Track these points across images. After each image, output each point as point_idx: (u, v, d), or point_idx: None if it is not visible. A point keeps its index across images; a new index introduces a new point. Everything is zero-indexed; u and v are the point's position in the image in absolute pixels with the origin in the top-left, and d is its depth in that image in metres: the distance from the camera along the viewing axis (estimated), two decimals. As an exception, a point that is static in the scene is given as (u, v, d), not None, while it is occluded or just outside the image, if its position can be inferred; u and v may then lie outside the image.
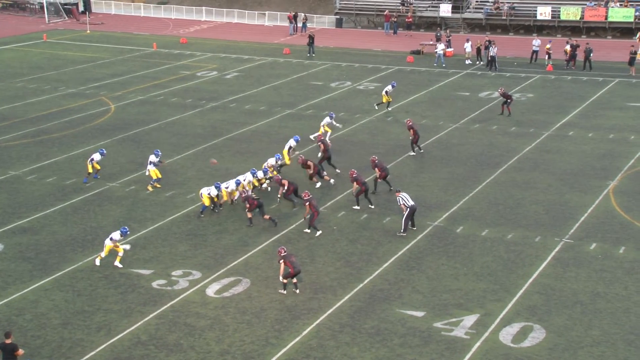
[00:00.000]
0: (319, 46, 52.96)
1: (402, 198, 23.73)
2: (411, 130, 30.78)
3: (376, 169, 26.98)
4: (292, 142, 29.11)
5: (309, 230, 23.63)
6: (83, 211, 25.71)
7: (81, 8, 69.96)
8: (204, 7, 69.13)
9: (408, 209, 23.52)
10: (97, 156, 28.14)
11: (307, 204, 23.36)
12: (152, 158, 27.71)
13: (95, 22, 65.79)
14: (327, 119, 32.51)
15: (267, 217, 24.38)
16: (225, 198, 25.63)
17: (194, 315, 19.09)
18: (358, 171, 26.04)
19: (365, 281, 20.72)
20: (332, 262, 21.92)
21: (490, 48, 45.90)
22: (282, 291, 20.16)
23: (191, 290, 20.36)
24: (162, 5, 72.77)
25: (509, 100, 35.89)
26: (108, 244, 21.64)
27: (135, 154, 30.64)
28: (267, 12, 66.43)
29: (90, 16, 66.98)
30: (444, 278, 20.88)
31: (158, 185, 27.48)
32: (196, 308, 19.44)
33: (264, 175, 26.75)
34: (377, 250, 22.60)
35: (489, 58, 45.83)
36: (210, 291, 20.31)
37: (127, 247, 22.48)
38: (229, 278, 21.02)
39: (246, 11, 67.21)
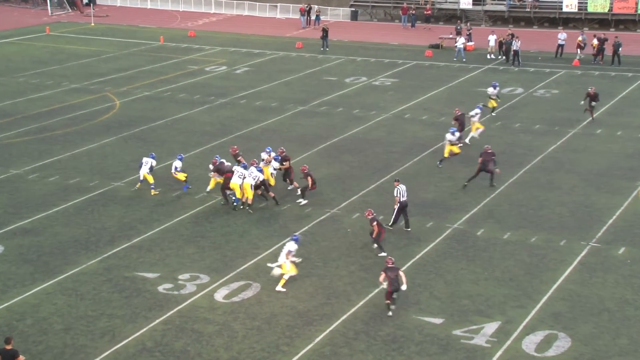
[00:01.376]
0: (332, 40, 52.98)
1: (398, 190, 23.95)
2: (456, 122, 31.08)
3: (308, 178, 25.93)
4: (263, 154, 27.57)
5: (375, 247, 22.84)
6: (86, 212, 25.84)
7: (85, 0, 70.34)
8: (213, -1, 69.37)
9: (399, 204, 23.75)
10: (178, 163, 27.09)
11: (375, 223, 22.54)
12: (153, 162, 27.07)
13: (100, 15, 66.12)
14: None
15: (271, 194, 24.50)
16: (248, 195, 25.36)
17: (202, 321, 19.15)
18: (375, 171, 25.97)
19: (381, 287, 20.68)
20: (346, 266, 21.92)
21: (514, 42, 45.72)
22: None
23: (199, 294, 20.41)
24: (170, -3, 72.98)
25: (593, 103, 34.63)
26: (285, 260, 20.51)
27: (141, 153, 30.73)
28: (278, 5, 66.52)
29: (95, 8, 67.31)
30: (464, 283, 20.83)
31: (156, 192, 27.08)
32: (204, 313, 19.50)
33: (278, 162, 26.88)
34: (392, 253, 22.54)
35: (513, 52, 45.64)
36: (219, 296, 20.36)
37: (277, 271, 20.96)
38: (239, 282, 21.06)
39: (257, 3, 67.33)
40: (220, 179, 26.48)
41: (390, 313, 19.28)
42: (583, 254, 22.29)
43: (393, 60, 47.99)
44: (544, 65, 45.59)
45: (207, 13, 67.67)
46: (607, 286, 20.51)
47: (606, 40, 45.58)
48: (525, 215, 25.05)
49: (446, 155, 29.41)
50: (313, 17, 60.95)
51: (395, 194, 23.96)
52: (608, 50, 45.20)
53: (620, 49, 44.64)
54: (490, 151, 27.22)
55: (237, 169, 25.94)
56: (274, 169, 27.08)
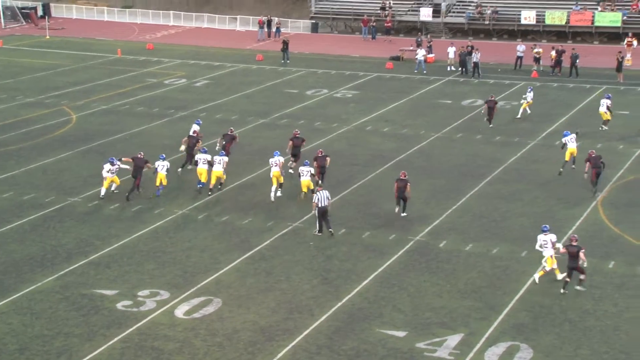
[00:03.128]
0: (293, 52, 53.11)
1: (317, 196, 24.48)
2: (486, 105, 35.07)
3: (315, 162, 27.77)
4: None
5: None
6: (42, 228, 25.45)
7: (40, 12, 69.55)
8: (171, 11, 69.07)
9: (316, 209, 24.39)
10: (161, 166, 27.79)
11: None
12: (108, 166, 27.71)
13: (55, 27, 65.41)
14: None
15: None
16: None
17: (162, 338, 18.93)
18: (337, 183, 26.02)
19: (344, 300, 20.70)
20: (309, 280, 21.89)
21: (474, 54, 46.31)
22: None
23: (159, 311, 20.19)
24: (127, 10, 72.58)
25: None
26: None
27: (99, 167, 30.38)
28: (238, 17, 66.51)
29: (50, 21, 66.60)
30: (427, 296, 20.93)
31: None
32: (164, 330, 19.28)
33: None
34: (356, 266, 22.61)
35: (473, 64, 46.22)
36: (179, 312, 20.16)
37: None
38: (199, 298, 20.89)
39: (216, 15, 67.23)
40: (113, 178, 27.70)
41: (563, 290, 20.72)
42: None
43: (354, 72, 48.25)
44: (503, 77, 46.22)
45: (165, 25, 67.37)
46: (569, 297, 20.76)
47: (564, 52, 46.39)
48: (487, 227, 25.29)
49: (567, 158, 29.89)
50: (273, 30, 61.05)
51: (313, 200, 24.52)
52: (566, 62, 45.99)
53: (577, 61, 45.48)
54: (595, 155, 27.67)
55: (200, 156, 28.19)
56: (310, 174, 27.14)
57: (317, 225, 24.82)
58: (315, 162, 27.72)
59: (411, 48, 51.98)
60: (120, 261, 23.07)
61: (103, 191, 27.80)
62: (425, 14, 60.33)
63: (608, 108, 35.21)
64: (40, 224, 25.75)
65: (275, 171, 27.43)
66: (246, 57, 53.19)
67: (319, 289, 21.38)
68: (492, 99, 36.25)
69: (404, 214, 25.98)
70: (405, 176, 26.04)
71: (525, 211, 26.44)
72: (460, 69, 47.16)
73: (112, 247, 23.97)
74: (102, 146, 33.96)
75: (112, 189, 28.10)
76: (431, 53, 50.67)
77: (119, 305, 20.46)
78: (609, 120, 35.39)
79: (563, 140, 30.34)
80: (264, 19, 61.74)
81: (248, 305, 20.46)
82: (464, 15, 59.57)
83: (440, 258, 23.10)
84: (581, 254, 20.73)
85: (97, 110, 39.97)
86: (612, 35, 55.44)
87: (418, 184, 29.09)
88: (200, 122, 32.50)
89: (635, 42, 50.21)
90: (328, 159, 28.01)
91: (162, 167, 27.94)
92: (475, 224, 25.50)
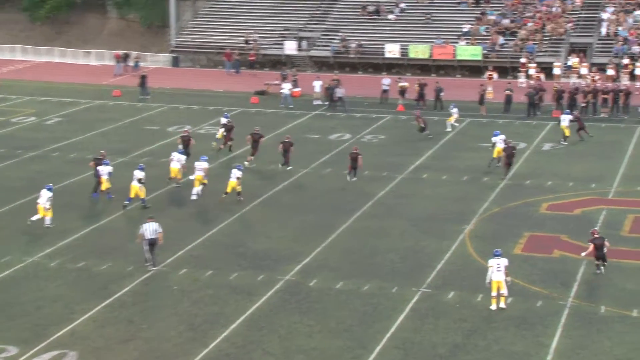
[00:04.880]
0: (153, 87, 52.48)
1: (143, 227, 24.89)
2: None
3: None
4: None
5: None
6: None
7: None
8: (18, 45, 66.74)
9: (143, 240, 24.74)
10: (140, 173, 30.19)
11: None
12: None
13: None
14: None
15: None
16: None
17: (11, 399, 17.96)
18: (204, 223, 25.68)
19: (211, 346, 20.39)
20: (174, 326, 21.42)
21: (336, 89, 47.33)
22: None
23: (7, 369, 19.18)
24: (-31, 43, 69.63)
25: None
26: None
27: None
28: (93, 51, 65.12)
29: None
30: (298, 337, 20.93)
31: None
32: (13, 390, 18.31)
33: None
34: (224, 310, 22.34)
35: (336, 99, 47.20)
36: (31, 369, 19.23)
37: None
38: (52, 352, 19.98)
39: (69, 49, 65.55)
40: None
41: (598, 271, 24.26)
42: (414, 300, 23.06)
43: (218, 107, 48.17)
44: (370, 110, 47.39)
45: (12, 60, 64.95)
46: (439, 332, 21.30)
47: (425, 85, 47.99)
48: (357, 263, 25.66)
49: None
50: (131, 64, 60.17)
51: (139, 231, 24.82)
52: (430, 95, 47.64)
53: (441, 94, 47.29)
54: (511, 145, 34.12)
55: (175, 154, 32.92)
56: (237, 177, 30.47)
57: (145, 257, 24.92)
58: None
59: (276, 82, 52.50)
60: (-37, 316, 21.81)
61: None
62: (290, 47, 61.22)
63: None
64: None
65: (198, 175, 31.35)
66: (102, 93, 52.09)
67: (185, 335, 20.96)
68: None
69: (355, 179, 33.57)
70: (357, 150, 34.08)
71: (394, 246, 27.04)
72: (328, 102, 48.06)
73: (-47, 301, 22.65)
74: (-58, 190, 32.17)
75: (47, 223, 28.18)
76: (297, 87, 51.39)
77: (-38, 365, 19.29)
78: (567, 137, 39.40)
79: (493, 139, 35.54)
80: (122, 52, 60.79)
81: (107, 357, 19.77)
82: (329, 48, 60.87)
83: (311, 297, 23.20)
84: (606, 242, 24.34)
85: None
86: (474, 69, 58.12)
87: (287, 221, 29.25)
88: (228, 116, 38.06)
89: (495, 76, 52.86)
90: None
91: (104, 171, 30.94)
92: (346, 261, 25.82)
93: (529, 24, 58.94)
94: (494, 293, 22.37)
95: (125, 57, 60.48)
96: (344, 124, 44.07)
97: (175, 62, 63.65)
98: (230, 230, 28.60)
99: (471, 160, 36.97)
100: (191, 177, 31.83)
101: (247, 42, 62.36)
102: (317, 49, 61.73)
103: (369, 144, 39.68)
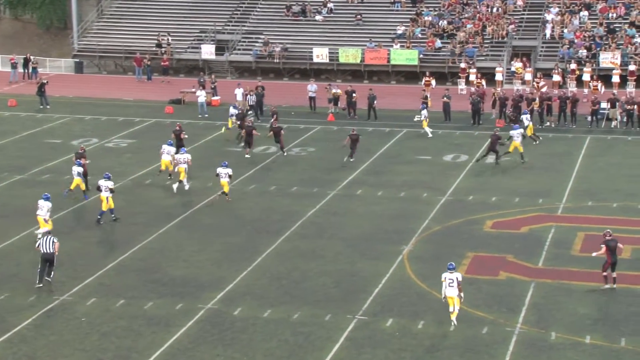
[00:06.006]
0: (54, 96, 51.77)
1: (41, 241, 25.30)
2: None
3: None
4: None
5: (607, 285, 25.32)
6: None
7: None
8: None
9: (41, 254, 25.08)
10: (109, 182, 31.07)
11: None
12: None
13: None
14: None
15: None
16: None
17: None
18: (113, 247, 25.44)
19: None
20: (81, 364, 21.15)
21: (249, 96, 47.57)
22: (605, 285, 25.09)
23: None
24: None
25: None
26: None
27: None
28: (-17, 55, 63.83)
29: None
30: (222, 372, 20.87)
31: None
32: None
33: None
34: (137, 343, 22.12)
35: (249, 107, 47.41)
36: None
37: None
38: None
39: (-47, 54, 64.13)
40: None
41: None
42: (350, 328, 23.21)
43: (129, 118, 47.75)
44: (298, 120, 47.61)
45: None
46: (379, 362, 21.51)
47: (354, 92, 48.30)
48: (286, 289, 25.72)
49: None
50: (30, 70, 59.17)
51: (36, 245, 25.43)
52: (363, 104, 47.96)
53: (375, 102, 47.75)
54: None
55: (165, 147, 35.90)
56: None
57: (39, 275, 25.04)
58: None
59: (193, 90, 52.32)
60: None
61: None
62: (208, 51, 61.12)
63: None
64: None
65: (180, 167, 34.68)
66: (-5, 103, 51.11)
67: (94, 373, 20.70)
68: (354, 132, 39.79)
69: (352, 160, 38.23)
70: (354, 131, 38.93)
71: (327, 269, 27.20)
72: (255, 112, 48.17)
73: None
74: None
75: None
76: (216, 95, 51.29)
77: None
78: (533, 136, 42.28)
79: (510, 133, 38.87)
80: (18, 57, 59.69)
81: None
82: (250, 52, 60.96)
83: (235, 327, 23.15)
84: (620, 245, 25.13)
85: None
86: (410, 75, 58.93)
87: (208, 244, 29.14)
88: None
89: (433, 82, 53.68)
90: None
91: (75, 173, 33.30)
92: (274, 287, 25.86)
93: (468, 26, 60.27)
94: (451, 308, 22.74)
95: (26, 62, 59.39)
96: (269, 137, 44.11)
97: (79, 68, 62.89)
98: (145, 254, 28.34)
99: (409, 175, 37.48)
100: (176, 170, 34.86)
101: (159, 45, 62.02)
102: (237, 53, 61.77)
103: (297, 158, 39.84)
